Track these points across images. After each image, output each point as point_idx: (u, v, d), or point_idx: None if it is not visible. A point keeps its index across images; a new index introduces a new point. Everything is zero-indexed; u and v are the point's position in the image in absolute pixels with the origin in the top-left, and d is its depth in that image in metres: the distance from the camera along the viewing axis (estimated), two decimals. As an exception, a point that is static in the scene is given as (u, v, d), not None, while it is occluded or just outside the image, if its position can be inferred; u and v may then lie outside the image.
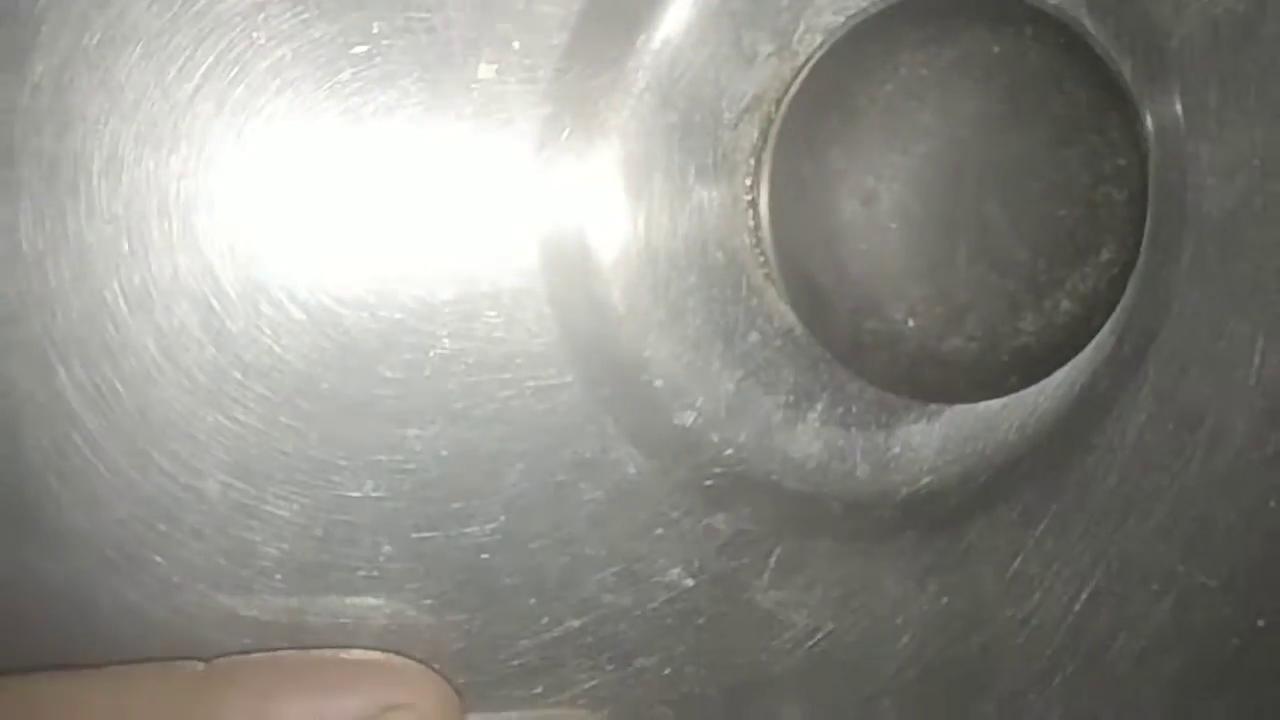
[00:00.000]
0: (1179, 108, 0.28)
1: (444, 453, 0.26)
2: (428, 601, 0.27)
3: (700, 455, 0.27)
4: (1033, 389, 0.28)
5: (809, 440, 0.27)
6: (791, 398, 0.26)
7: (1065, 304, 0.23)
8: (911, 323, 0.23)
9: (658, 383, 0.26)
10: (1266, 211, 0.29)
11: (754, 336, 0.26)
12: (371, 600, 0.27)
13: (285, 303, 0.25)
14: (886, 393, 0.26)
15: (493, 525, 0.27)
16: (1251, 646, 0.31)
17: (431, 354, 0.26)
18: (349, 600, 0.27)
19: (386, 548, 0.26)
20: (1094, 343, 0.28)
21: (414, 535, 0.26)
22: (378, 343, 0.26)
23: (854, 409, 0.27)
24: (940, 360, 0.23)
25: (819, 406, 0.27)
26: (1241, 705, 0.31)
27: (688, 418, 0.26)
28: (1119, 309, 0.28)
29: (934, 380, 0.23)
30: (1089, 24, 0.26)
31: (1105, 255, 0.23)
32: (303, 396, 0.26)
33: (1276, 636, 0.32)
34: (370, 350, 0.26)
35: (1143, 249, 0.27)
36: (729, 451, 0.27)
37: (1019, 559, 0.29)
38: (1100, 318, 0.24)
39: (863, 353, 0.23)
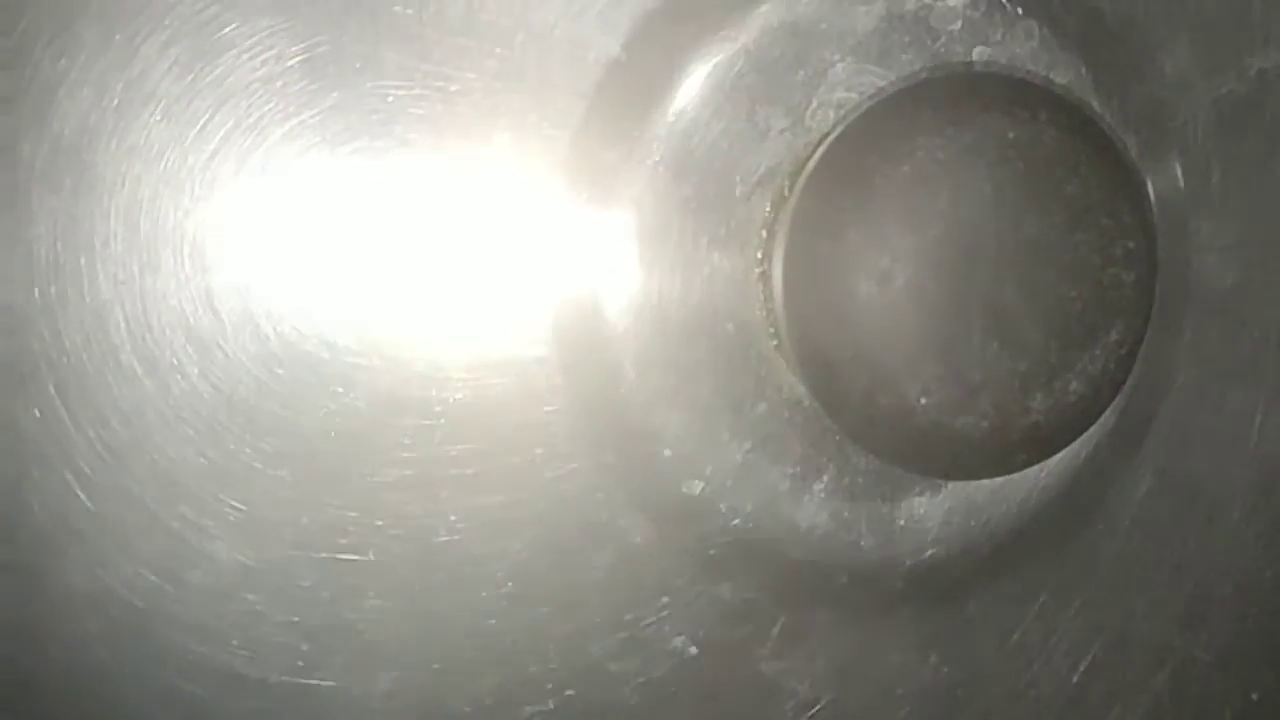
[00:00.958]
0: (1182, 185, 0.29)
1: (452, 518, 0.26)
2: (434, 665, 0.27)
3: (707, 524, 0.27)
4: (1035, 467, 0.28)
5: (815, 511, 0.27)
6: (798, 469, 0.27)
7: (1075, 384, 0.23)
8: (924, 400, 0.23)
9: (666, 452, 0.26)
10: (1266, 289, 0.30)
11: (762, 407, 0.26)
12: (377, 663, 0.27)
13: (297, 367, 0.25)
14: (888, 467, 0.27)
15: (499, 591, 0.27)
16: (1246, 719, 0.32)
17: (442, 420, 0.26)
18: (355, 663, 0.27)
19: (393, 611, 0.26)
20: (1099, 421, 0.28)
21: (421, 599, 0.26)
22: (387, 407, 0.26)
23: (860, 481, 0.27)
24: (951, 438, 0.23)
25: (825, 478, 0.27)
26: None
27: (695, 487, 0.26)
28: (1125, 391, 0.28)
29: (944, 457, 0.24)
30: (1096, 104, 0.27)
31: (1114, 336, 0.24)
32: (312, 460, 0.26)
33: (1270, 709, 0.32)
34: (380, 415, 0.26)
35: (1149, 339, 0.27)
36: (736, 521, 0.27)
37: (1019, 631, 0.29)
38: (1108, 397, 0.24)
39: (874, 428, 0.24)
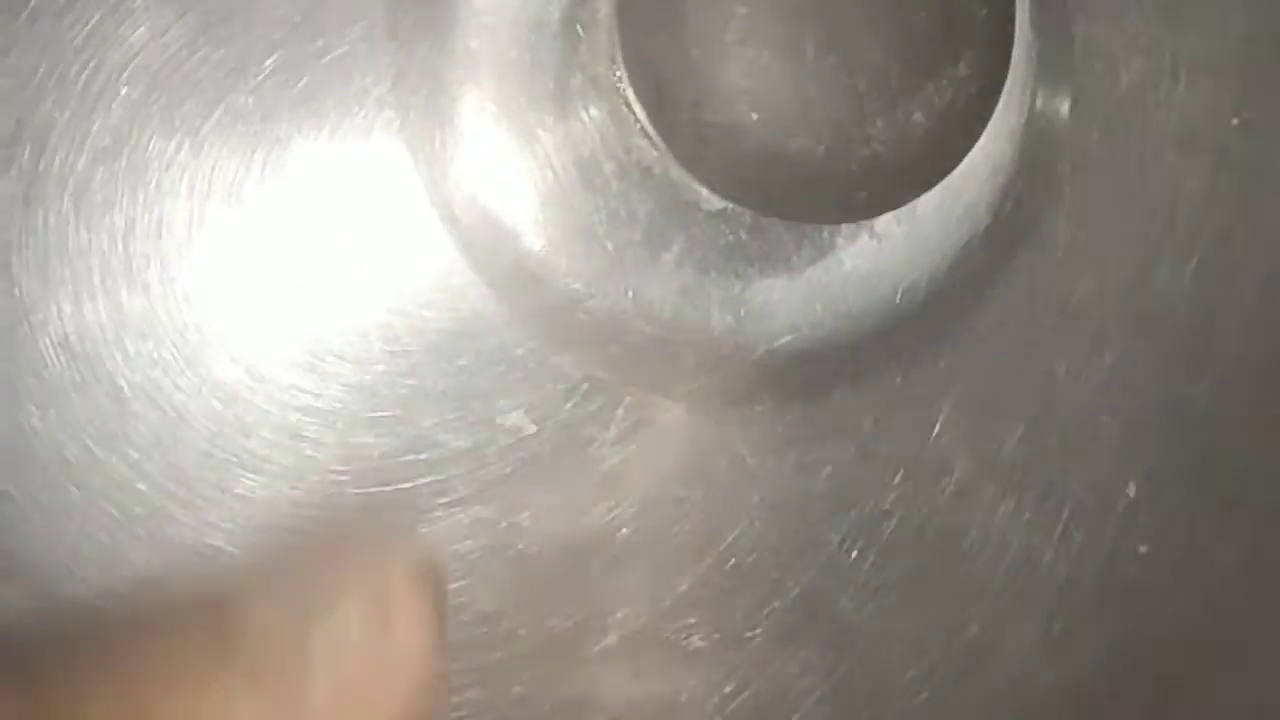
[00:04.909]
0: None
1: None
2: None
3: (548, 288, 0.25)
4: (903, 257, 0.27)
5: (662, 283, 0.26)
6: (645, 235, 0.25)
7: (918, 115, 0.22)
8: (755, 117, 0.22)
9: (507, 210, 0.25)
10: (1155, 107, 0.29)
11: (610, 167, 0.25)
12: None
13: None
14: (743, 240, 0.26)
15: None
16: (1127, 568, 0.30)
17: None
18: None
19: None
20: (971, 217, 0.27)
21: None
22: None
23: (710, 254, 0.26)
24: (785, 163, 0.22)
25: (674, 247, 0.26)
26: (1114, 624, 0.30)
27: (535, 244, 0.25)
28: (999, 188, 0.27)
29: (778, 187, 0.22)
30: None
31: (962, 69, 0.22)
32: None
33: (1154, 561, 0.30)
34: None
35: (1028, 130, 0.26)
36: (578, 285, 0.25)
37: (882, 441, 0.28)
38: (956, 140, 0.23)
39: (705, 149, 0.22)
